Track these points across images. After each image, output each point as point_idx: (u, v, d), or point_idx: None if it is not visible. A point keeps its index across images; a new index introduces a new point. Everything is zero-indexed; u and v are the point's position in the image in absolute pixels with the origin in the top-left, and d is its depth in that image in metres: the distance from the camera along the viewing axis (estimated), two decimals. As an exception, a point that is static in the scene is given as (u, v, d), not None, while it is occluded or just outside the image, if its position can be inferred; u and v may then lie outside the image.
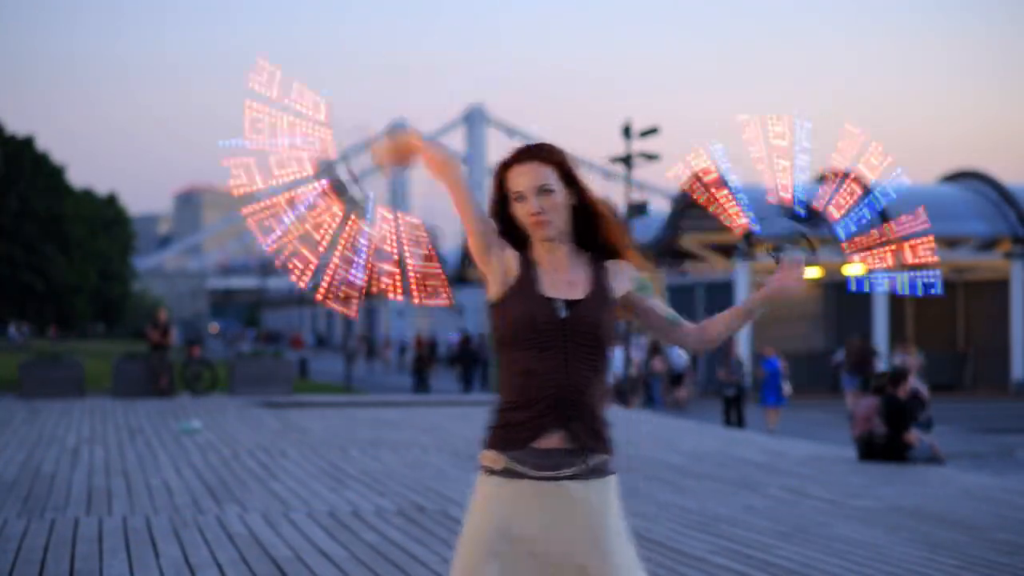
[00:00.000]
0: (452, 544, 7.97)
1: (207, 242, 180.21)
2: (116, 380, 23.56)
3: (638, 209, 29.41)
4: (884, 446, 13.20)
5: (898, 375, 13.69)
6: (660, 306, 3.33)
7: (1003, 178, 34.45)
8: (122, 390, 23.28)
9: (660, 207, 44.18)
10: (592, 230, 3.32)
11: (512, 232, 3.31)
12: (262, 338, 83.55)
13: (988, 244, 33.85)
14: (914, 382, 14.33)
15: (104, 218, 66.30)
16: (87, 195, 65.24)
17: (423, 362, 33.35)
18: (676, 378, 25.54)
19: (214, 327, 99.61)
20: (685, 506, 9.84)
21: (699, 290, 36.80)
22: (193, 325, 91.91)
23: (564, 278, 3.25)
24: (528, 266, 3.25)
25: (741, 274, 32.75)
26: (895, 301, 36.28)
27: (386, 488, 10.69)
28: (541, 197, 3.22)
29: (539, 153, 3.27)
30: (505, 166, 3.30)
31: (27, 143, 53.77)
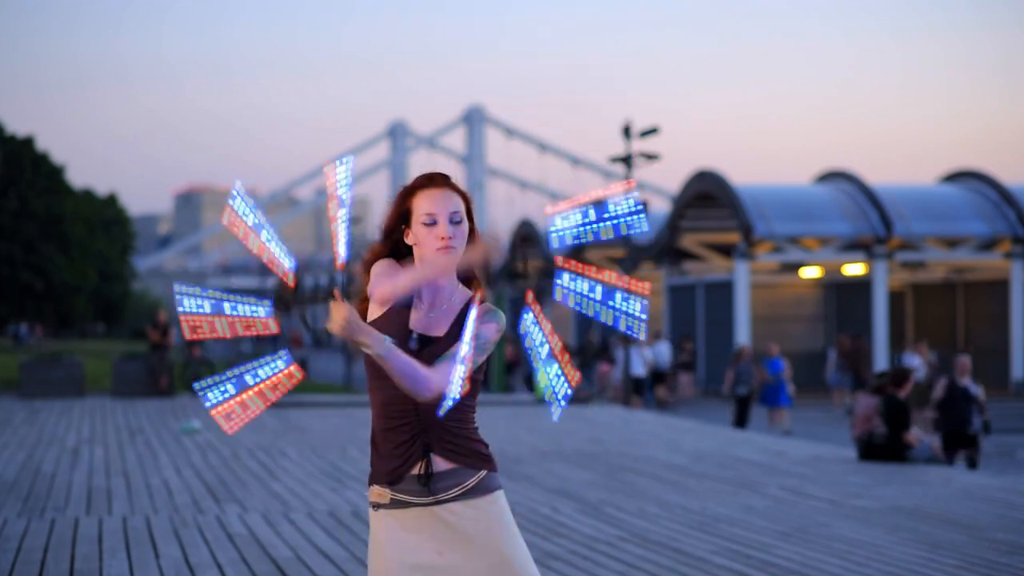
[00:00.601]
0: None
1: (207, 242, 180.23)
2: (116, 380, 23.56)
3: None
4: (884, 446, 13.19)
5: (900, 375, 13.68)
6: (457, 346, 3.22)
7: (1003, 178, 34.43)
8: (122, 390, 23.28)
9: (660, 207, 44.20)
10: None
11: (395, 255, 3.33)
12: (263, 338, 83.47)
13: (988, 244, 33.83)
14: (968, 384, 14.35)
15: (104, 218, 66.29)
16: (87, 195, 65.22)
17: None
18: (659, 376, 25.39)
19: None
20: (685, 506, 9.84)
21: (699, 290, 36.80)
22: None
23: (437, 314, 3.29)
24: (405, 302, 3.28)
25: (741, 274, 32.74)
26: (895, 301, 36.28)
27: (386, 488, 10.69)
28: (453, 224, 3.26)
29: (452, 182, 3.32)
30: (414, 188, 3.32)
31: (27, 143, 53.76)
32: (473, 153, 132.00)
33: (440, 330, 3.27)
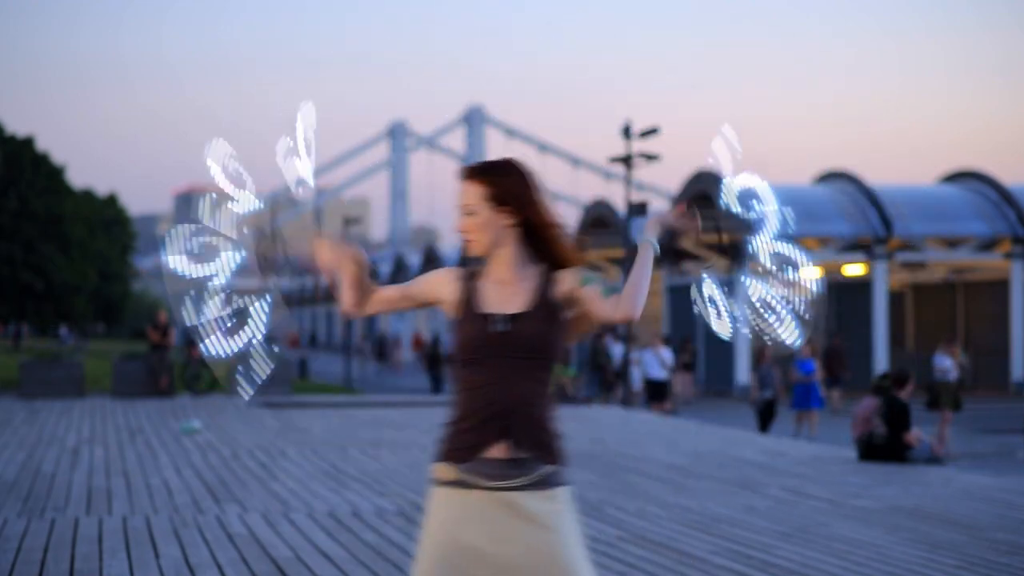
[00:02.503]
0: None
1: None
2: (116, 380, 23.57)
3: (638, 209, 29.40)
4: (884, 446, 13.19)
5: (900, 376, 13.68)
6: (599, 290, 3.36)
7: (1003, 178, 34.44)
8: (122, 390, 23.28)
9: (660, 207, 44.18)
10: (544, 246, 3.39)
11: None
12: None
13: (988, 244, 33.84)
14: None
15: (104, 218, 66.27)
16: (87, 195, 65.20)
17: (436, 362, 33.26)
18: (658, 388, 24.03)
19: None
20: (685, 506, 9.84)
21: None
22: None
23: (508, 291, 3.33)
24: (470, 284, 3.37)
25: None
26: (895, 301, 36.28)
27: (386, 488, 10.69)
28: (465, 217, 3.35)
29: (473, 174, 3.38)
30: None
31: (27, 143, 53.76)
32: (473, 153, 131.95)
33: (517, 306, 3.31)
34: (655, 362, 23.57)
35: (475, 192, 3.34)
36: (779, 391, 20.20)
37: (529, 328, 3.27)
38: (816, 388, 20.21)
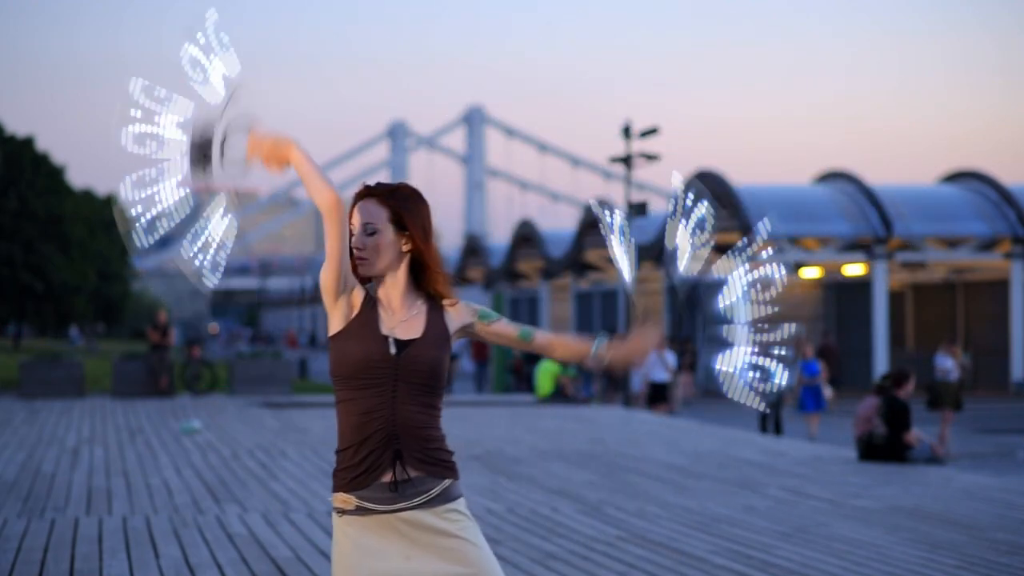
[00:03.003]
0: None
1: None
2: (116, 380, 23.57)
3: (638, 209, 29.41)
4: (884, 446, 13.19)
5: (900, 376, 13.68)
6: (508, 325, 3.45)
7: (1003, 178, 34.44)
8: (122, 390, 23.28)
9: (660, 207, 44.19)
10: (425, 277, 3.38)
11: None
12: (259, 338, 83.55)
13: (988, 244, 33.84)
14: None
15: (104, 218, 66.25)
16: (87, 195, 65.19)
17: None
18: (660, 390, 23.62)
19: (213, 328, 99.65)
20: (685, 506, 9.84)
21: (699, 290, 36.80)
22: (193, 325, 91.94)
23: (401, 317, 3.33)
24: (371, 304, 3.34)
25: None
26: (895, 301, 36.28)
27: (386, 488, 10.68)
28: (365, 236, 3.30)
29: (377, 192, 3.34)
30: (354, 200, 3.37)
31: (27, 143, 53.74)
32: (473, 153, 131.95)
33: (415, 332, 3.32)
34: (658, 364, 23.34)
35: (379, 212, 3.31)
36: (784, 394, 19.96)
37: (423, 354, 3.29)
38: (820, 390, 20.01)
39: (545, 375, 23.59)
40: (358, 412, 3.28)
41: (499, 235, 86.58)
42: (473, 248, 56.30)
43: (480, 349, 34.59)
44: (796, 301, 37.32)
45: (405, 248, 3.33)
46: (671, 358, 23.70)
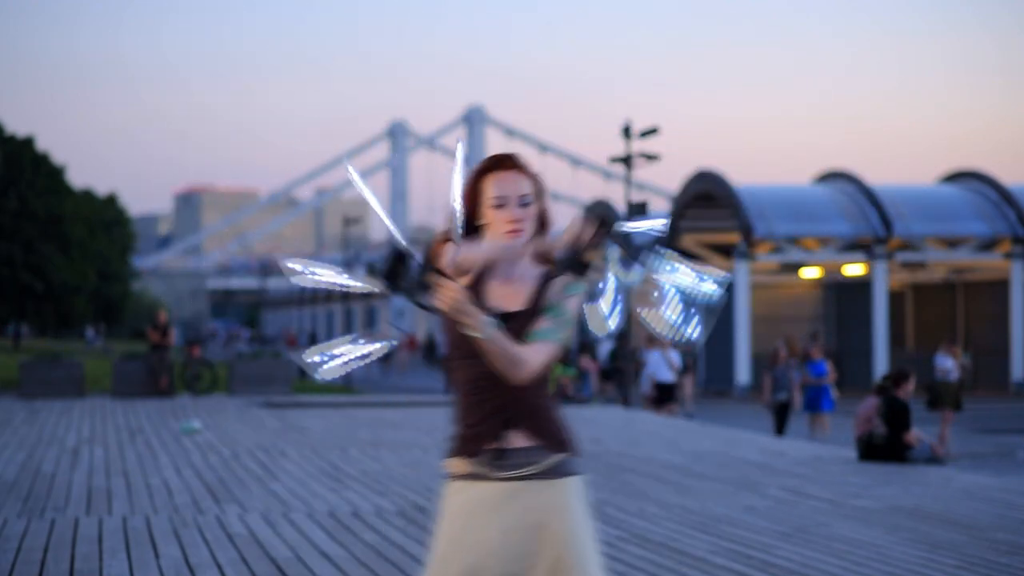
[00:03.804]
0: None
1: (207, 242, 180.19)
2: (116, 380, 23.57)
3: (638, 209, 29.41)
4: (884, 446, 13.19)
5: (900, 376, 13.68)
6: (541, 322, 3.32)
7: (1003, 178, 34.45)
8: (122, 390, 23.29)
9: (660, 207, 44.20)
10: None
11: (470, 236, 3.41)
12: (257, 339, 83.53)
13: (988, 244, 33.84)
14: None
15: (104, 218, 66.25)
16: (87, 195, 65.19)
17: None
18: (665, 391, 23.31)
19: (212, 328, 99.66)
20: (685, 506, 9.84)
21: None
22: (193, 325, 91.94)
23: (510, 290, 3.33)
24: (479, 277, 3.34)
25: (741, 274, 32.73)
26: (895, 301, 36.28)
27: (386, 488, 10.69)
28: (522, 207, 3.32)
29: (521, 164, 3.37)
30: (484, 170, 3.37)
31: (27, 143, 53.75)
32: (473, 153, 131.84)
33: (516, 305, 3.31)
34: (663, 364, 23.08)
35: (527, 183, 3.34)
36: (794, 393, 19.87)
37: (519, 328, 3.27)
38: (827, 390, 19.87)
39: (557, 371, 23.56)
40: (468, 380, 3.30)
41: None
42: (473, 248, 56.16)
43: None
44: (796, 301, 37.32)
45: (535, 218, 3.37)
46: (676, 358, 23.39)
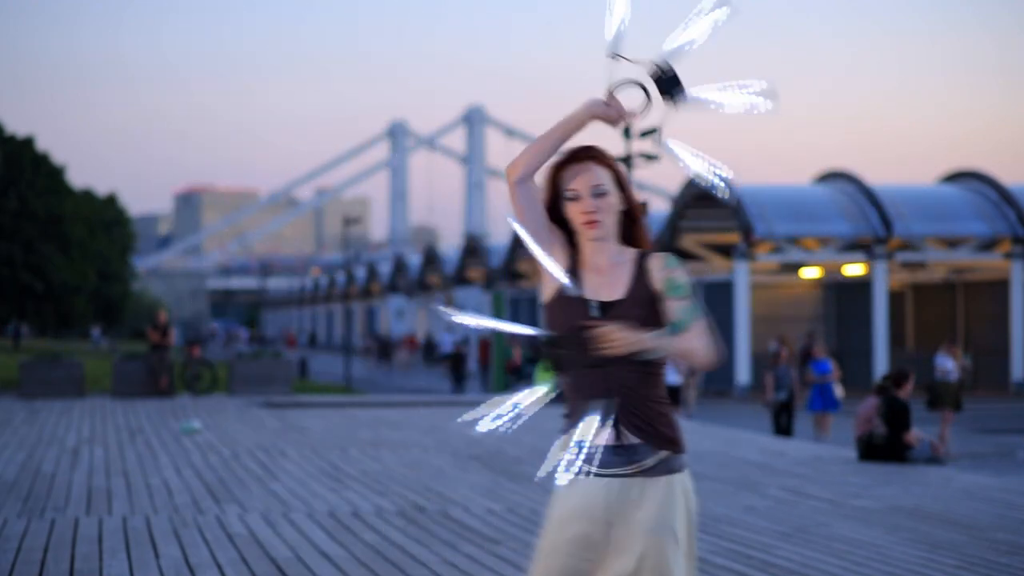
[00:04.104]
0: (452, 544, 7.98)
1: (207, 242, 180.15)
2: (116, 380, 23.57)
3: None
4: (884, 446, 13.19)
5: (900, 376, 13.68)
6: (674, 309, 3.33)
7: (1003, 178, 34.43)
8: (122, 390, 23.29)
9: (660, 207, 44.19)
10: (631, 234, 3.41)
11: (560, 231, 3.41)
12: (256, 339, 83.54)
13: (988, 244, 33.83)
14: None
15: (104, 218, 66.24)
16: (87, 195, 65.18)
17: (459, 361, 33.45)
18: (673, 393, 23.11)
19: (212, 328, 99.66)
20: (685, 506, 9.83)
21: (699, 290, 36.80)
22: (193, 325, 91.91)
23: (606, 279, 3.32)
24: (573, 269, 3.34)
25: (741, 274, 32.73)
26: (895, 301, 36.27)
27: (386, 488, 10.69)
28: (596, 198, 3.31)
29: (595, 154, 3.35)
30: (561, 165, 3.36)
31: (27, 143, 53.73)
32: (473, 153, 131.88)
33: (616, 294, 3.30)
34: (669, 366, 22.78)
35: (601, 173, 3.32)
36: (796, 392, 19.80)
37: (627, 314, 3.25)
38: (831, 389, 19.77)
39: (545, 375, 23.49)
40: (576, 375, 3.30)
41: (499, 235, 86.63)
42: (473, 248, 56.26)
43: (485, 351, 34.62)
44: (796, 301, 37.32)
45: (619, 208, 3.35)
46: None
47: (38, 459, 12.79)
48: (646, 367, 3.27)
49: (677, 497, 3.29)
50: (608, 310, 3.26)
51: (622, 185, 3.35)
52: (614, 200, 3.33)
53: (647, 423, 3.27)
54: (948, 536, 8.52)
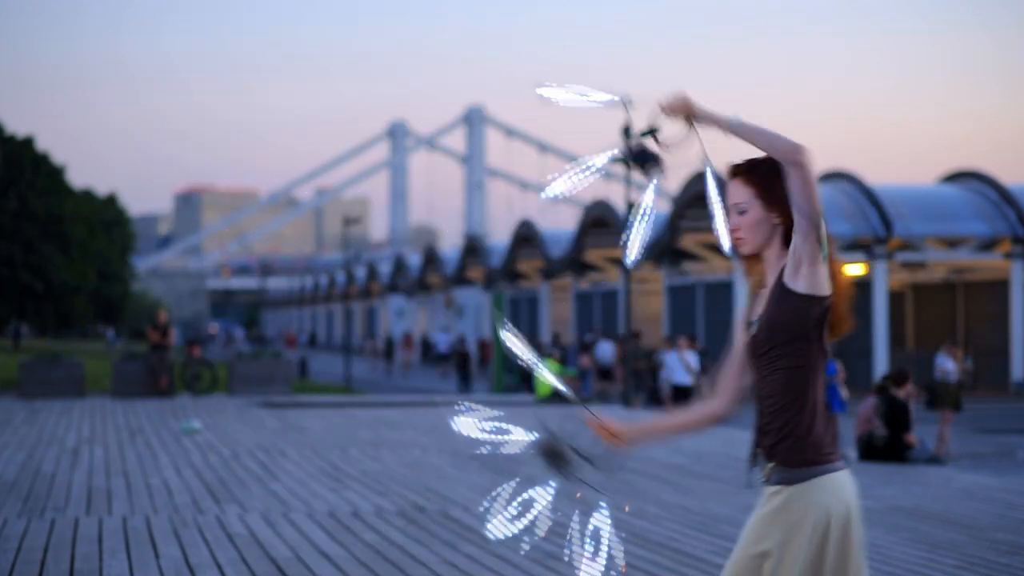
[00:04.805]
0: (452, 544, 7.99)
1: (207, 242, 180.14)
2: (116, 380, 23.57)
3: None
4: (884, 446, 13.19)
5: (899, 376, 13.68)
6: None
7: (1003, 178, 34.43)
8: (122, 390, 23.29)
9: (660, 207, 44.18)
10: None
11: None
12: (255, 338, 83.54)
13: (988, 244, 33.83)
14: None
15: (104, 218, 66.26)
16: (87, 195, 65.19)
17: (465, 361, 33.51)
18: (683, 394, 23.10)
19: (213, 328, 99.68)
20: (686, 506, 9.84)
21: (699, 290, 36.80)
22: (193, 325, 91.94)
23: (765, 295, 3.36)
24: (755, 290, 3.42)
25: (741, 274, 32.73)
26: (895, 301, 36.27)
27: (386, 488, 10.69)
28: (736, 216, 3.35)
29: (741, 171, 3.35)
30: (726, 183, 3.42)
31: (27, 143, 53.74)
32: (473, 153, 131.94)
33: (766, 306, 3.32)
34: (679, 366, 22.54)
35: (745, 191, 3.33)
36: None
37: (761, 331, 3.29)
38: (837, 390, 19.73)
39: (545, 388, 23.41)
40: (753, 393, 3.39)
41: (499, 235, 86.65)
42: (473, 248, 56.29)
43: (486, 352, 34.69)
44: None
45: (776, 222, 3.31)
46: (693, 360, 22.96)
47: (38, 459, 12.79)
48: (778, 377, 3.30)
49: (802, 509, 3.46)
50: (756, 325, 3.31)
51: (775, 198, 3.29)
52: (756, 215, 3.32)
53: (786, 456, 3.43)
54: (948, 536, 8.52)
